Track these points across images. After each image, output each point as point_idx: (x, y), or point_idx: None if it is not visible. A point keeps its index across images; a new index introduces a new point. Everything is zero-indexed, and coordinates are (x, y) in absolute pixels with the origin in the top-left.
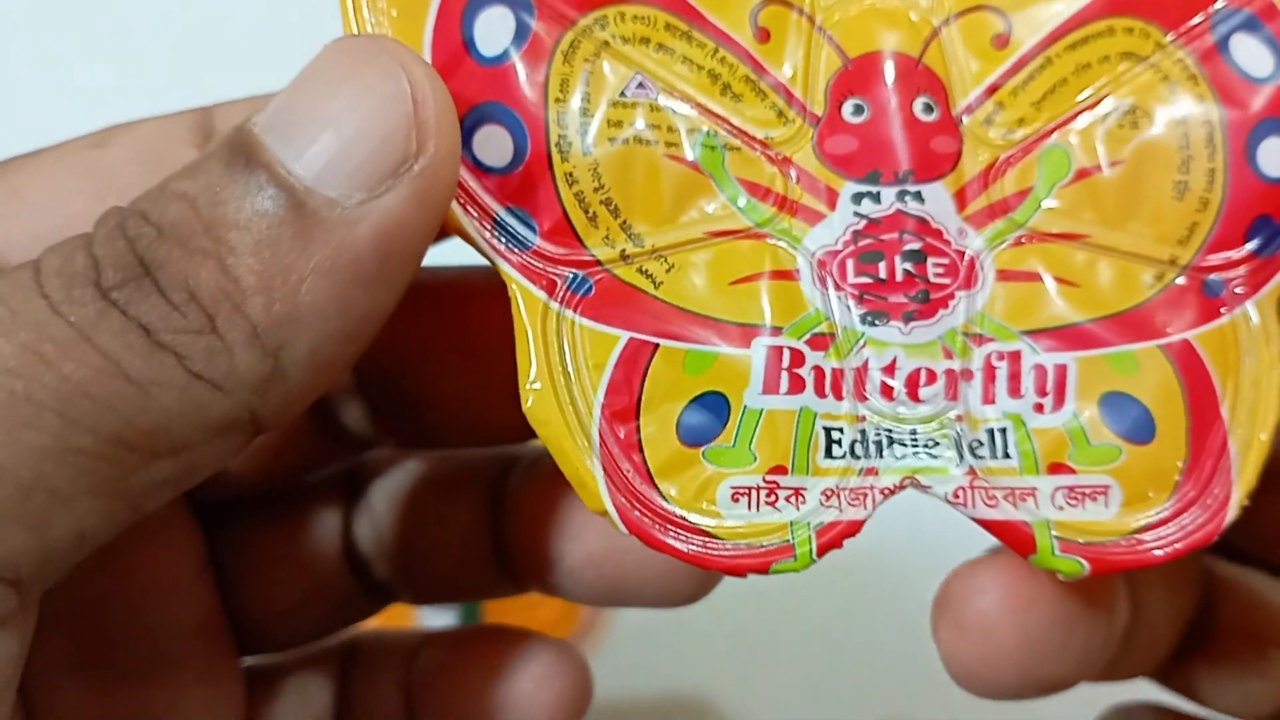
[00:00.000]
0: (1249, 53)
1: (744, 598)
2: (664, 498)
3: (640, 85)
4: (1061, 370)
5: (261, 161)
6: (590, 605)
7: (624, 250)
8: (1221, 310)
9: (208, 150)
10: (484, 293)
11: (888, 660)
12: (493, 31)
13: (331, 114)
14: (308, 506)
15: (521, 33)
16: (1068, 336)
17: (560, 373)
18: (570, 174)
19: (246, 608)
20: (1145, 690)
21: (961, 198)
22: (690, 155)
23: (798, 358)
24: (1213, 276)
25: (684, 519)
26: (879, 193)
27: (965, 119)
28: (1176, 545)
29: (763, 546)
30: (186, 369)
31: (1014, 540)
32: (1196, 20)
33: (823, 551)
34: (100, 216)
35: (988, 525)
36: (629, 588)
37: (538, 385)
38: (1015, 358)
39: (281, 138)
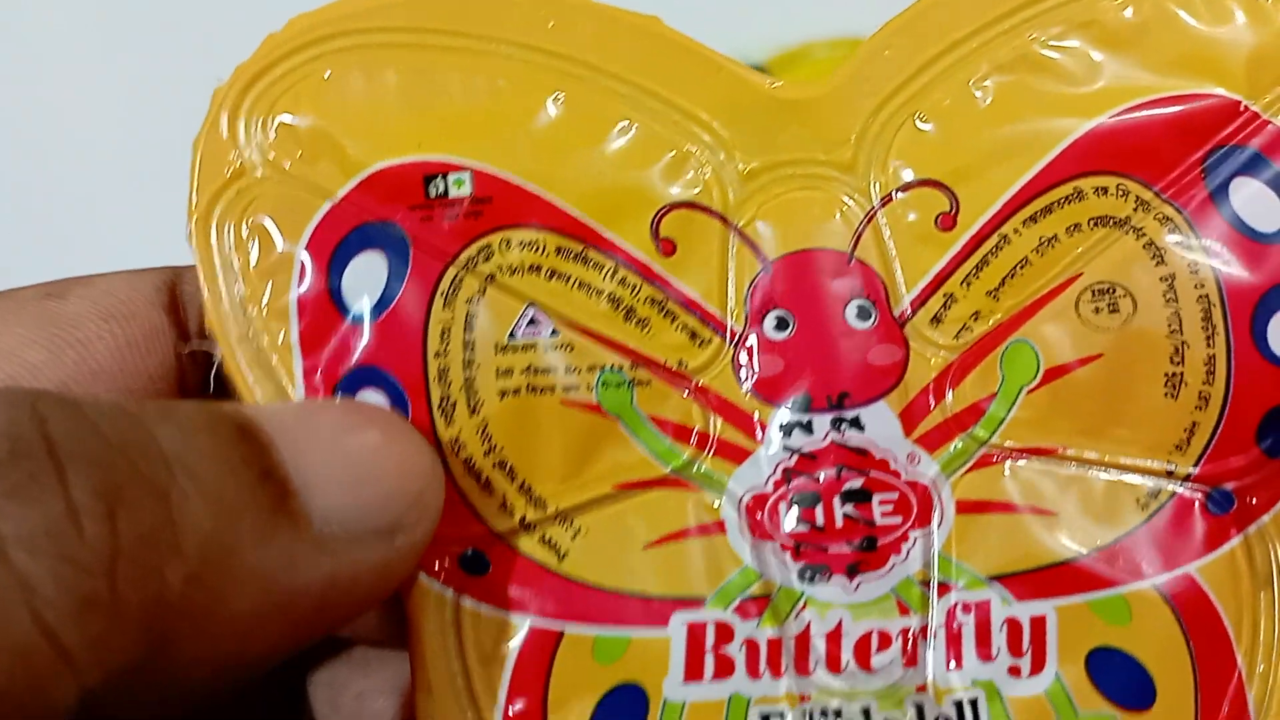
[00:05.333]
0: (1253, 202)
1: None
2: None
3: (532, 321)
4: (1039, 623)
5: (254, 436)
6: None
7: (524, 517)
8: (1231, 532)
9: (180, 403)
10: None
11: None
12: (362, 282)
13: (352, 447)
14: None
15: (395, 278)
16: (1044, 580)
17: (457, 673)
18: (456, 438)
19: None
20: None
21: (910, 417)
22: (592, 397)
23: (724, 633)
24: (1219, 489)
25: None
26: (810, 421)
27: (909, 320)
28: None
29: None
30: (36, 617)
31: None
32: (1184, 166)
33: None
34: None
35: None
36: None
37: (428, 690)
38: (983, 609)
39: (285, 435)
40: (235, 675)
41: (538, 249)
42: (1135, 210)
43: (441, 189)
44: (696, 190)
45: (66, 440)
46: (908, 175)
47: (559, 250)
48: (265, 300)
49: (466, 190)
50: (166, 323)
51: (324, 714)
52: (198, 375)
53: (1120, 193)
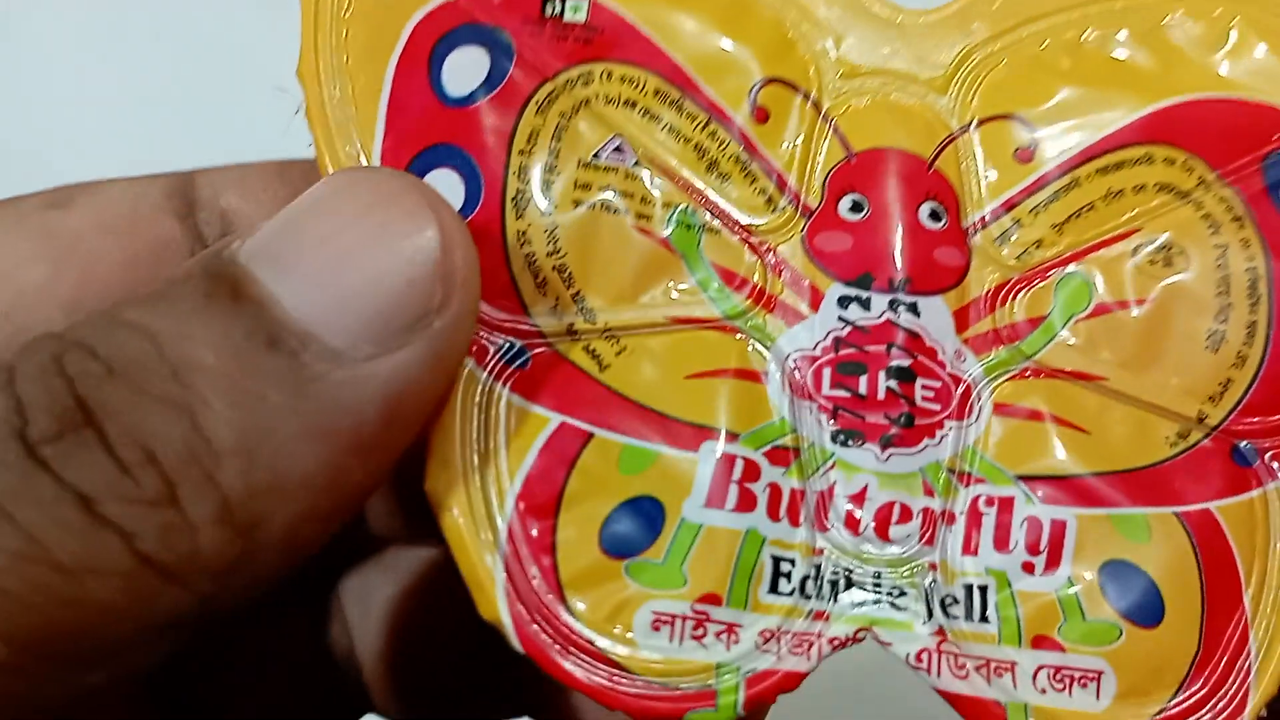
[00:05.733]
0: None
1: None
2: (571, 614)
3: (618, 149)
4: (1059, 527)
5: (250, 296)
6: None
7: (572, 324)
8: (1253, 483)
9: (176, 275)
10: None
11: None
12: (463, 72)
13: (344, 251)
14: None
15: (494, 78)
16: (1070, 489)
17: (476, 452)
18: (523, 233)
19: None
20: None
21: (963, 317)
22: (663, 231)
23: (752, 470)
24: (1245, 443)
25: (591, 643)
26: (869, 299)
27: (976, 234)
28: None
29: (679, 689)
30: (135, 551)
31: None
32: (1245, 160)
33: (751, 705)
34: (27, 344)
35: (953, 700)
36: None
37: (445, 461)
38: (1006, 505)
39: (277, 270)
40: (346, 515)
41: (637, 86)
42: (1197, 186)
43: (558, 10)
44: (799, 74)
45: (94, 397)
46: (994, 109)
47: (657, 92)
48: (359, 70)
49: (582, 17)
50: (179, 230)
51: (355, 617)
52: None
53: (1186, 168)
